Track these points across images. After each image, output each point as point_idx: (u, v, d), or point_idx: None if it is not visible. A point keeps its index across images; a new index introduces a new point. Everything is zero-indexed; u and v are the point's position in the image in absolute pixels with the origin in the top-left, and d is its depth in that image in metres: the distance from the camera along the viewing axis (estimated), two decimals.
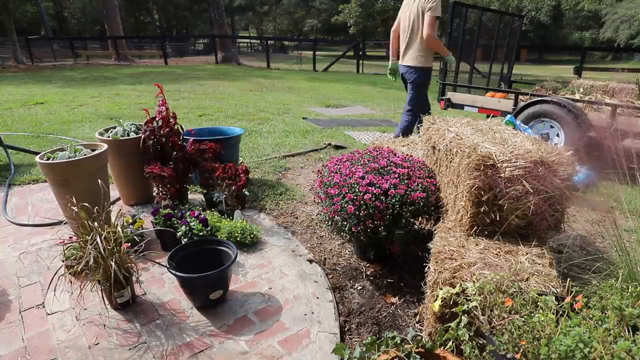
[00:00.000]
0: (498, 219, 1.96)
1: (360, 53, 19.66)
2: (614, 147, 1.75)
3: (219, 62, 19.09)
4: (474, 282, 1.54)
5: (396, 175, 2.32)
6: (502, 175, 1.89)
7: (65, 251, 2.13)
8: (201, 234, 2.55)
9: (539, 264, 1.74)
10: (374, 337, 1.42)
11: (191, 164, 3.04)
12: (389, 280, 2.42)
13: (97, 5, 29.22)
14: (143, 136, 2.97)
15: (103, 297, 1.99)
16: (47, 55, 20.14)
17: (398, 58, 4.42)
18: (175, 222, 2.60)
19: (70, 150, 2.59)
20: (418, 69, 4.14)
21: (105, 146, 2.72)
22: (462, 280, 1.63)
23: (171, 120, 3.01)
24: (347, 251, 2.73)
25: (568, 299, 1.33)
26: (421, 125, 2.68)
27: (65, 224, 2.65)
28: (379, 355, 1.35)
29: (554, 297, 1.35)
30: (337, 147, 5.19)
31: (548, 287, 1.57)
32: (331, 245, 2.80)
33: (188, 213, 2.68)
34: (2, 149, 4.10)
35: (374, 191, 2.18)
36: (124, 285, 1.99)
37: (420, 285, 1.97)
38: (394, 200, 2.18)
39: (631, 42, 26.48)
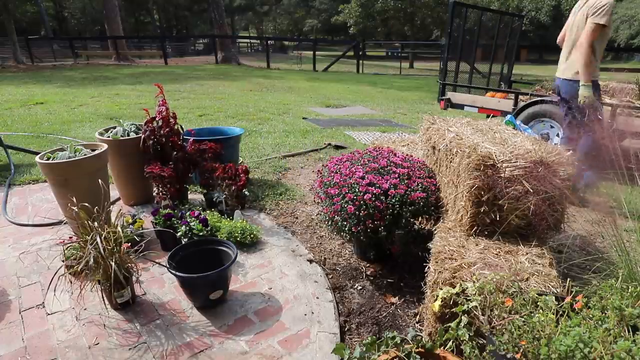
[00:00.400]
0: (498, 219, 1.96)
1: (360, 53, 19.66)
2: (613, 148, 1.75)
3: (219, 62, 19.09)
4: (474, 282, 1.54)
5: (396, 175, 2.32)
6: (502, 175, 1.90)
7: (65, 251, 2.13)
8: (201, 234, 2.55)
9: (539, 264, 1.74)
10: (374, 337, 1.42)
11: (191, 164, 3.04)
12: (389, 280, 2.42)
13: (97, 5, 29.22)
14: (143, 136, 2.97)
15: (103, 297, 2.00)
16: (47, 55, 20.14)
17: None
18: (175, 222, 2.60)
19: (70, 150, 2.59)
20: (570, 82, 3.49)
21: (105, 146, 2.72)
22: (462, 280, 1.63)
23: (171, 120, 3.01)
24: (347, 251, 2.73)
25: (568, 299, 1.33)
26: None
27: (65, 224, 2.65)
28: (379, 355, 1.35)
29: (554, 297, 1.35)
30: (337, 147, 5.19)
31: (548, 287, 1.57)
32: (331, 245, 2.80)
33: (188, 213, 2.68)
34: (2, 149, 4.10)
35: (374, 191, 2.18)
36: (124, 285, 1.99)
37: (420, 285, 1.97)
38: (394, 200, 2.18)
39: (631, 42, 26.46)
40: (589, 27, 3.19)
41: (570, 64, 3.50)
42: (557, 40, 3.75)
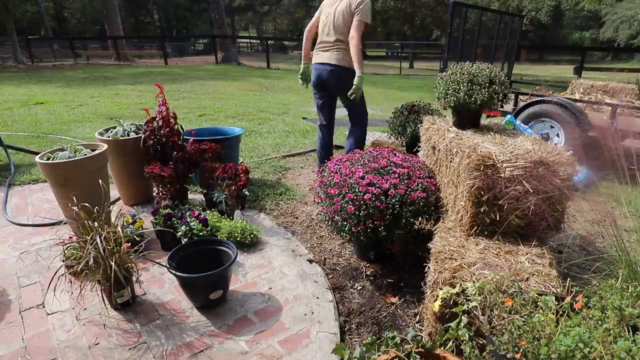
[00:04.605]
0: (498, 219, 1.96)
1: None
2: (614, 147, 1.75)
3: (219, 62, 19.08)
4: (474, 282, 1.54)
5: (396, 175, 2.32)
6: (502, 175, 1.90)
7: (65, 251, 2.13)
8: (201, 234, 2.55)
9: (539, 264, 1.74)
10: (374, 337, 1.42)
11: (191, 164, 3.04)
12: (389, 280, 2.42)
13: (97, 5, 29.18)
14: (143, 136, 2.97)
15: (103, 297, 1.99)
16: (47, 55, 20.12)
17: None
18: (175, 222, 2.60)
19: (70, 150, 2.59)
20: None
21: (105, 146, 2.72)
22: (462, 280, 1.63)
23: (171, 120, 3.01)
24: (347, 251, 2.73)
25: (568, 299, 1.33)
26: None
27: (65, 224, 2.65)
28: (379, 355, 1.35)
29: (554, 297, 1.35)
30: (337, 147, 5.19)
31: (548, 287, 1.57)
32: (331, 245, 2.80)
33: (188, 213, 2.68)
34: (2, 149, 4.10)
35: (374, 191, 2.18)
36: (124, 285, 1.99)
37: (420, 285, 1.97)
38: (394, 200, 2.18)
39: (631, 42, 26.47)
40: (358, 24, 3.18)
41: (337, 55, 3.32)
42: (306, 31, 3.57)
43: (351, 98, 3.25)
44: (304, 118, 7.11)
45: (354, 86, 3.20)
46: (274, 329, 1.97)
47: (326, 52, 3.35)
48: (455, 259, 1.79)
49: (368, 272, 2.49)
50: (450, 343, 1.45)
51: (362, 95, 3.43)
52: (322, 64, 3.36)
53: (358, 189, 2.20)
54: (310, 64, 3.59)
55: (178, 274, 1.97)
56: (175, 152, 2.96)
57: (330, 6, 3.37)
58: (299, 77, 3.73)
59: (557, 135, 4.59)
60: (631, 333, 1.19)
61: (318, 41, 3.47)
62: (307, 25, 3.59)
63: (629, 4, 27.28)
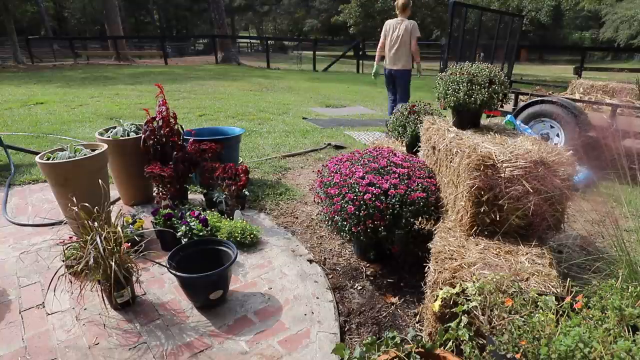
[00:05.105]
0: (498, 219, 1.96)
1: (360, 53, 19.61)
2: (614, 147, 1.75)
3: (219, 62, 19.08)
4: (474, 282, 1.54)
5: (396, 175, 2.32)
6: (502, 175, 1.90)
7: (65, 251, 2.13)
8: (201, 234, 2.55)
9: (539, 264, 1.74)
10: (374, 337, 1.42)
11: (191, 164, 3.04)
12: (389, 280, 2.42)
13: (97, 5, 29.17)
14: (143, 136, 2.97)
15: (103, 297, 1.99)
16: (47, 55, 20.11)
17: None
18: (175, 222, 2.60)
19: (70, 150, 2.59)
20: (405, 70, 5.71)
21: (105, 146, 2.72)
22: (462, 280, 1.63)
23: (171, 120, 3.01)
24: (347, 251, 2.73)
25: (568, 299, 1.33)
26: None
27: (65, 224, 2.65)
28: (379, 355, 1.35)
29: (554, 297, 1.35)
30: (337, 147, 5.19)
31: (548, 287, 1.57)
32: (331, 245, 2.80)
33: (188, 213, 2.68)
34: (2, 149, 4.10)
35: (374, 191, 2.18)
36: (124, 285, 1.99)
37: (420, 285, 1.97)
38: (394, 200, 2.18)
39: (631, 42, 26.46)
40: (415, 39, 5.41)
41: (404, 61, 5.55)
42: (379, 49, 5.71)
43: (419, 71, 5.87)
44: (304, 118, 7.11)
45: (419, 65, 5.74)
46: (274, 329, 1.97)
47: (399, 62, 5.54)
48: (455, 259, 1.79)
49: (368, 272, 2.49)
50: (450, 343, 1.45)
51: (409, 81, 5.71)
52: (397, 69, 5.60)
53: (358, 189, 2.20)
54: (379, 65, 5.90)
55: (178, 274, 1.97)
56: (175, 152, 2.96)
57: (394, 31, 5.47)
58: (372, 73, 6.12)
59: (557, 135, 4.59)
60: (631, 333, 1.19)
61: (390, 52, 5.53)
62: (379, 44, 5.72)
63: (629, 4, 27.27)
